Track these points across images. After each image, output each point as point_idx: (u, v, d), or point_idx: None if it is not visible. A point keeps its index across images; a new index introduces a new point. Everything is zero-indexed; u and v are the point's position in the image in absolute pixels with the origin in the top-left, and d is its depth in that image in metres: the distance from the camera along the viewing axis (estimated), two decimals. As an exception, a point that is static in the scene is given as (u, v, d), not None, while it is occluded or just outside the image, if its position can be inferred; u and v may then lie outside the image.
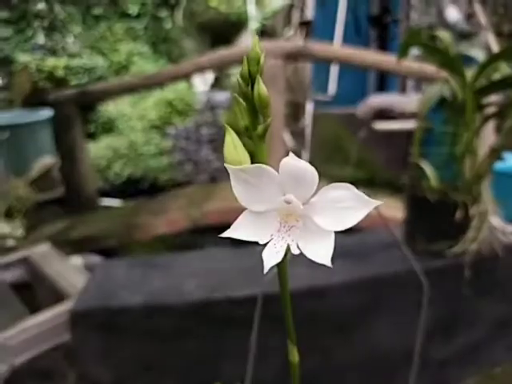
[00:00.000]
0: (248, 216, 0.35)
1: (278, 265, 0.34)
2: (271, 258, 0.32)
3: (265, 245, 0.33)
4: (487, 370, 1.43)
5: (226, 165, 0.34)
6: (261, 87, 0.35)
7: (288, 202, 0.33)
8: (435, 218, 1.22)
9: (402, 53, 1.30)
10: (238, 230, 0.35)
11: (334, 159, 2.64)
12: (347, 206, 0.34)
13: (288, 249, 0.33)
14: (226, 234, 0.34)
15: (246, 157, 0.36)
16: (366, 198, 0.33)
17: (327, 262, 0.32)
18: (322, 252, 0.33)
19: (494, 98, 1.29)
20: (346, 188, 0.34)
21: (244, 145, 0.36)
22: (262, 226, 0.35)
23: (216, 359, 1.08)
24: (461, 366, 1.38)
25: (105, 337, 1.08)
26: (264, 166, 0.34)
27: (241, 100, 0.36)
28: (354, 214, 0.33)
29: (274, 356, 0.99)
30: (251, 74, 0.36)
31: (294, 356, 0.42)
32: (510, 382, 1.43)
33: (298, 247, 0.33)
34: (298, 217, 0.34)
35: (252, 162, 0.36)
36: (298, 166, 0.32)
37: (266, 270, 0.32)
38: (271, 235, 0.34)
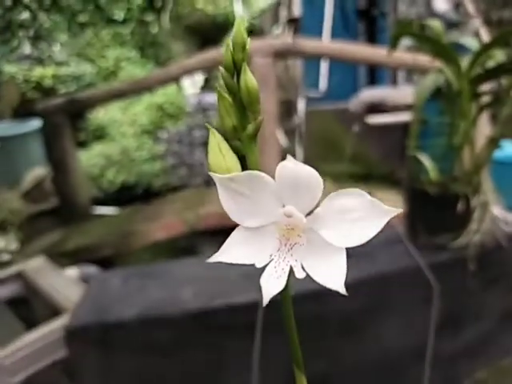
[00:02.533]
0: (241, 234, 0.29)
1: (281, 292, 0.28)
2: (272, 284, 0.27)
3: (263, 268, 0.28)
4: (497, 362, 1.41)
5: (211, 173, 0.28)
6: (248, 78, 0.29)
7: (288, 215, 0.28)
8: (436, 211, 1.19)
9: (393, 44, 1.27)
10: (229, 253, 0.29)
11: (330, 156, 2.62)
12: (360, 217, 0.28)
13: (291, 272, 0.27)
14: (215, 259, 0.28)
15: (235, 162, 0.30)
16: (383, 206, 0.27)
17: (340, 286, 0.26)
18: (332, 274, 0.27)
19: (488, 86, 1.27)
20: (357, 195, 0.28)
21: (232, 148, 0.30)
22: (258, 245, 0.29)
23: (218, 370, 1.05)
24: (471, 359, 1.35)
25: (102, 352, 1.05)
26: (257, 172, 0.28)
27: (225, 95, 0.30)
28: (369, 226, 0.28)
29: (278, 364, 0.96)
30: (236, 62, 0.30)
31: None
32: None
33: (303, 269, 0.28)
34: (301, 232, 0.28)
35: (242, 169, 0.30)
36: (297, 170, 0.26)
37: (265, 301, 0.26)
38: (270, 256, 0.28)
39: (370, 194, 0.28)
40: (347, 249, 0.28)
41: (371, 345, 1.19)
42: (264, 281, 0.27)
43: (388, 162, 2.40)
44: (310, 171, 0.27)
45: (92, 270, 2.00)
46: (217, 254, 0.29)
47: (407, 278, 1.15)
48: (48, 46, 3.81)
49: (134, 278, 1.20)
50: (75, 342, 1.05)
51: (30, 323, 1.38)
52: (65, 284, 1.52)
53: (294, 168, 0.27)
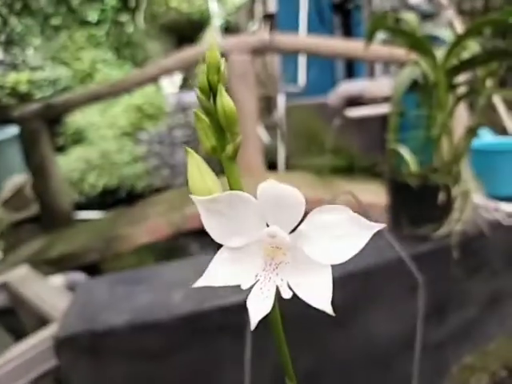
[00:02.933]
0: (225, 254, 0.29)
1: (269, 313, 0.27)
2: (259, 307, 0.26)
3: (248, 289, 0.27)
4: (482, 346, 1.44)
5: (191, 196, 0.28)
6: (225, 100, 0.28)
7: (272, 236, 0.27)
8: (418, 202, 1.21)
9: (369, 38, 1.28)
10: (214, 276, 0.29)
11: (311, 150, 2.63)
12: (344, 233, 0.28)
13: (278, 292, 0.27)
14: (200, 284, 0.28)
15: (216, 183, 0.30)
16: (366, 221, 0.27)
17: (326, 306, 0.26)
18: (318, 293, 0.27)
19: (463, 77, 1.28)
20: (339, 211, 0.28)
21: (212, 169, 0.30)
22: (243, 265, 0.28)
23: (212, 373, 1.05)
24: (458, 345, 1.38)
25: (93, 360, 1.04)
26: (238, 192, 0.27)
27: (203, 116, 0.30)
28: (353, 241, 0.28)
29: (271, 363, 0.97)
30: (211, 84, 0.29)
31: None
32: (504, 355, 1.44)
33: (289, 287, 0.27)
34: (286, 250, 0.28)
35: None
36: (279, 190, 0.26)
37: (253, 325, 0.26)
38: (256, 276, 0.28)
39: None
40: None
41: (359, 338, 1.20)
42: (251, 303, 0.27)
43: (369, 154, 2.43)
44: (291, 190, 0.26)
45: (78, 276, 1.98)
46: (202, 278, 0.28)
47: (392, 269, 1.17)
48: (21, 50, 3.74)
49: (121, 284, 1.19)
50: (65, 351, 1.04)
51: (18, 334, 1.37)
52: (51, 293, 1.51)
53: (275, 188, 0.26)
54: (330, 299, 0.27)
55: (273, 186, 0.26)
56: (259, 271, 0.28)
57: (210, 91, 0.30)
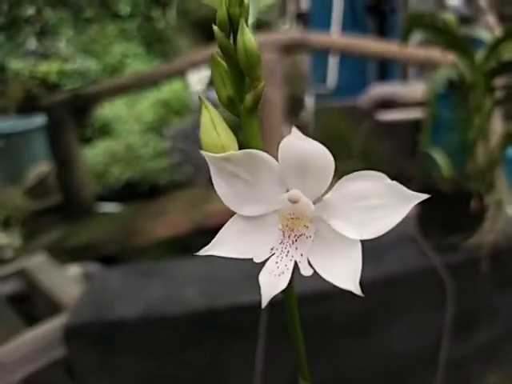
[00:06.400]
0: (237, 223, 0.25)
1: (284, 291, 0.24)
2: (273, 283, 0.22)
3: (262, 263, 0.23)
4: (508, 366, 1.37)
5: (202, 152, 0.23)
6: (246, 38, 0.24)
7: (294, 201, 0.23)
8: (449, 209, 1.15)
9: (404, 37, 1.24)
10: (222, 245, 0.25)
11: (339, 153, 2.57)
12: (378, 204, 0.23)
13: (295, 268, 0.23)
14: (205, 252, 0.24)
15: (232, 140, 0.25)
16: (406, 190, 0.23)
17: (354, 286, 0.22)
18: (345, 271, 0.23)
19: (502, 80, 1.23)
20: (374, 178, 0.23)
21: (228, 124, 0.25)
22: (257, 236, 0.24)
23: (221, 371, 1.02)
24: (482, 363, 1.31)
25: (102, 350, 1.02)
26: (256, 151, 0.23)
27: (220, 59, 0.25)
28: (389, 214, 0.23)
29: (282, 365, 0.93)
30: (232, 18, 0.25)
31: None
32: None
33: (309, 264, 0.23)
34: (308, 222, 0.24)
35: (240, 148, 0.25)
36: (304, 148, 0.21)
37: (264, 303, 0.22)
38: (271, 249, 0.24)
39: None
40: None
41: (380, 348, 1.15)
42: (263, 278, 0.23)
43: (398, 160, 2.36)
44: (319, 148, 0.22)
45: (95, 267, 1.98)
46: (208, 246, 0.25)
47: (419, 278, 1.12)
48: (53, 41, 3.80)
49: (136, 276, 1.17)
50: (75, 340, 1.02)
51: (31, 321, 1.37)
52: (66, 281, 1.50)
53: (300, 145, 0.22)
54: (359, 279, 0.23)
55: (297, 143, 0.21)
56: (276, 244, 0.24)
57: (230, 28, 0.25)
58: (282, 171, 0.23)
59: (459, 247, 1.13)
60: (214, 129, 0.25)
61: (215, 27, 0.25)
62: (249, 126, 0.25)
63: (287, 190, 0.24)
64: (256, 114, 0.25)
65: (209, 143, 0.25)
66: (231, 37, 0.25)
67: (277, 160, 0.23)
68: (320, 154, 0.22)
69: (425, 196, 0.24)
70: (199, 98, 0.26)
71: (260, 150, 0.23)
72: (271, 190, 0.24)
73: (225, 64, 0.25)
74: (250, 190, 0.24)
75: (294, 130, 0.21)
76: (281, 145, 0.22)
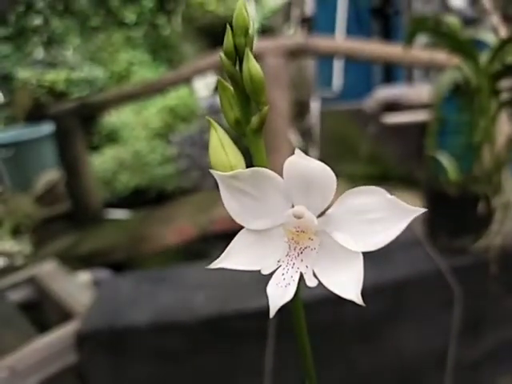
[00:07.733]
0: (245, 237, 0.26)
1: (291, 301, 0.25)
2: (280, 294, 0.24)
3: (269, 275, 0.25)
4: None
5: (211, 171, 0.25)
6: (251, 65, 0.25)
7: (298, 216, 0.24)
8: (456, 212, 1.15)
9: (408, 40, 1.24)
10: (232, 258, 0.26)
11: (345, 156, 2.57)
12: (378, 218, 0.25)
13: (301, 279, 0.24)
14: (216, 265, 0.26)
15: (239, 159, 0.27)
16: (405, 205, 0.25)
17: (355, 296, 0.23)
18: (347, 282, 0.24)
19: (507, 83, 1.23)
20: (375, 193, 0.25)
21: (236, 144, 0.27)
22: (264, 249, 0.25)
23: (231, 377, 1.02)
24: (493, 366, 1.31)
25: (113, 357, 1.03)
26: (263, 169, 0.25)
27: (227, 84, 0.27)
28: (389, 227, 0.24)
29: (292, 369, 0.93)
30: (238, 48, 0.27)
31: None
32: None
33: (314, 276, 0.25)
34: (313, 234, 0.25)
35: (247, 166, 0.27)
36: (308, 166, 0.23)
37: (272, 313, 0.23)
38: (278, 261, 0.25)
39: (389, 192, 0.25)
40: (363, 252, 0.25)
41: (389, 352, 1.15)
42: (271, 290, 0.24)
43: (405, 163, 2.36)
44: (321, 167, 0.23)
45: (104, 274, 1.99)
46: (219, 259, 0.26)
47: (426, 282, 1.12)
48: (60, 50, 3.83)
49: (145, 283, 1.18)
50: (86, 346, 1.03)
51: (42, 327, 1.38)
52: (76, 288, 1.51)
53: (303, 164, 0.23)
54: (360, 289, 0.24)
55: (301, 162, 0.23)
56: (282, 257, 0.25)
57: (236, 56, 0.27)
58: (287, 188, 0.24)
59: (467, 250, 1.13)
60: (223, 149, 0.27)
61: (222, 55, 0.27)
62: (255, 146, 0.27)
63: (292, 205, 0.25)
64: (261, 135, 0.27)
65: (218, 162, 0.27)
66: (237, 64, 0.27)
67: (281, 176, 0.24)
68: (322, 172, 0.23)
69: (421, 210, 0.25)
70: (208, 120, 0.27)
71: (266, 167, 0.25)
72: (277, 205, 0.25)
73: (232, 89, 0.27)
74: (257, 206, 0.25)
75: (298, 150, 0.23)
76: (285, 164, 0.24)
